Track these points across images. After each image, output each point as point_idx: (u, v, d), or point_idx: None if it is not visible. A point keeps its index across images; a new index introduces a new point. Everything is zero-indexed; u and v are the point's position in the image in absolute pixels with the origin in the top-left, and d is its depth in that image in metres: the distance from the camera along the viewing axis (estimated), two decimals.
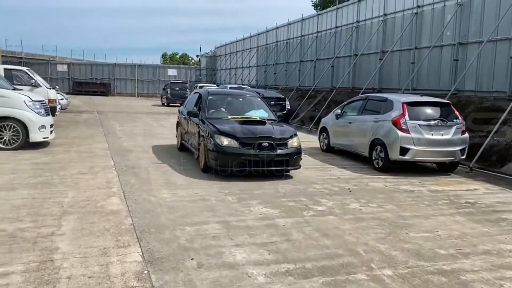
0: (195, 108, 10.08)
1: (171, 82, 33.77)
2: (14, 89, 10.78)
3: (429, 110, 9.32)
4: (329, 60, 22.87)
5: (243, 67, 38.46)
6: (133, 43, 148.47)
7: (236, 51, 41.41)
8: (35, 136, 10.14)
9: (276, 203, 6.45)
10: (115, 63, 47.25)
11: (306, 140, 14.55)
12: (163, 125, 17.36)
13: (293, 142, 8.56)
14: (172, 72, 48.68)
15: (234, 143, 8.14)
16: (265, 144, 8.18)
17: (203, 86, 30.66)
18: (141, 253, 4.38)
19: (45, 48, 62.92)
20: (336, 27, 22.40)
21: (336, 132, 11.30)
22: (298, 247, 4.75)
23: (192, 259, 4.30)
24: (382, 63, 17.99)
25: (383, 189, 7.76)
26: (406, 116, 9.01)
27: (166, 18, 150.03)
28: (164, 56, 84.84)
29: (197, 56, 76.51)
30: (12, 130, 9.91)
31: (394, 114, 9.21)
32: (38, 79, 15.01)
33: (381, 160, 9.34)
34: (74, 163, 8.78)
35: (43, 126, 10.27)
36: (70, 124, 15.95)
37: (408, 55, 16.93)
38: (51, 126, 10.76)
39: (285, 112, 18.80)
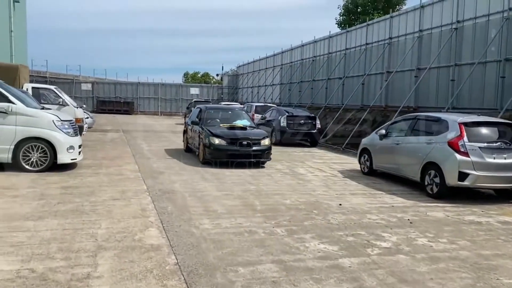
0: (196, 119, 13.20)
1: (195, 101, 33.47)
2: (43, 108, 10.39)
3: (489, 131, 8.49)
4: (359, 77, 22.17)
5: (266, 85, 38.04)
6: (155, 62, 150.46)
7: (259, 70, 41.09)
8: (63, 157, 9.65)
9: (332, 238, 5.70)
10: (139, 82, 47.47)
11: (341, 161, 13.81)
12: None
13: (265, 142, 11.87)
14: (194, 91, 48.65)
15: (223, 142, 11.42)
16: (244, 142, 11.50)
17: (227, 104, 30.32)
18: None
19: (68, 68, 63.78)
20: (367, 44, 21.74)
21: (380, 154, 10.52)
22: None
23: None
24: (417, 80, 17.21)
25: (446, 220, 6.93)
26: (465, 138, 8.20)
27: (187, 38, 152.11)
28: (185, 75, 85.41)
29: (217, 75, 76.81)
30: (40, 151, 9.45)
31: (451, 135, 8.41)
32: (66, 98, 14.71)
33: (436, 185, 8.50)
34: (105, 187, 8.21)
35: (71, 147, 9.79)
36: (97, 144, 15.54)
37: (446, 72, 16.12)
38: (80, 147, 10.28)
39: (315, 131, 18.08)
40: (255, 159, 11.56)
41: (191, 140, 13.51)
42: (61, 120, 9.79)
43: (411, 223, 6.64)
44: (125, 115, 41.33)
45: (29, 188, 7.83)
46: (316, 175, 10.84)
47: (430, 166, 8.69)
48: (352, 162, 13.48)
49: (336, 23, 42.68)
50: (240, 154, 11.43)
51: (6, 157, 9.25)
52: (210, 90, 50.43)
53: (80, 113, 14.53)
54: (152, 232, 5.59)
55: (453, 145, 8.24)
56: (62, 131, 9.68)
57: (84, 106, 19.64)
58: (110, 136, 19.57)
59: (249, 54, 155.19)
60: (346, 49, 23.87)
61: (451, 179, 8.20)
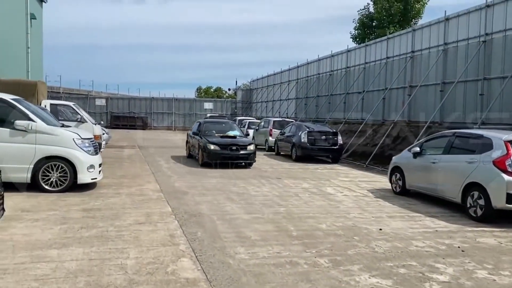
0: (197, 130, 16.39)
1: (210, 116, 33.20)
2: (62, 125, 10.06)
3: None
4: (380, 91, 21.71)
5: (281, 99, 37.72)
6: (167, 77, 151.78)
7: (274, 84, 40.83)
8: (84, 177, 9.28)
9: (382, 270, 5.17)
10: (152, 97, 47.52)
11: (368, 179, 13.25)
12: None
13: (250, 147, 14.88)
14: (208, 105, 48.54)
15: (217, 148, 14.39)
16: (234, 148, 14.52)
17: (243, 119, 30.00)
18: None
19: (81, 83, 64.56)
20: (387, 57, 21.31)
21: (414, 173, 9.96)
22: None
23: None
24: (443, 95, 16.68)
25: (500, 248, 6.36)
26: None
27: (199, 53, 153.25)
28: (198, 90, 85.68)
29: (228, 89, 76.88)
30: (59, 170, 9.08)
31: (496, 154, 7.85)
32: (84, 114, 14.45)
33: (480, 208, 7.92)
34: (128, 210, 7.79)
35: (92, 166, 9.41)
36: (115, 161, 15.21)
37: (474, 86, 15.57)
38: (100, 165, 9.91)
39: (337, 147, 17.56)
40: (242, 160, 14.65)
41: (192, 148, 16.62)
42: (82, 138, 9.45)
43: (463, 251, 6.08)
44: (138, 130, 41.25)
45: (50, 211, 7.44)
46: (346, 195, 10.31)
47: (473, 187, 8.12)
48: (380, 181, 12.94)
49: (351, 37, 42.37)
50: (231, 157, 14.43)
51: (25, 177, 8.90)
52: (224, 104, 50.29)
53: (98, 130, 14.23)
54: (185, 263, 5.13)
55: (500, 165, 7.68)
56: (83, 150, 9.33)
57: (102, 122, 19.39)
58: (127, 152, 19.27)
59: (261, 69, 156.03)
60: (366, 63, 23.45)
61: (498, 202, 7.63)
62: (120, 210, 7.72)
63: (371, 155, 16.93)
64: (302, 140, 17.31)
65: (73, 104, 14.65)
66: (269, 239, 6.28)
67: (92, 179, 9.49)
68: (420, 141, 10.39)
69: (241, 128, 26.33)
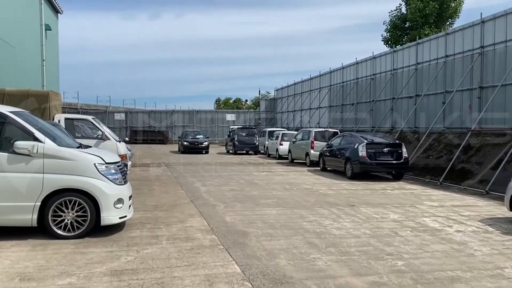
0: (181, 135, 32.08)
1: (238, 128, 30.73)
2: (80, 146, 7.58)
3: None
4: (437, 95, 18.96)
5: (311, 108, 35.10)
6: (184, 91, 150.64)
7: (302, 92, 38.26)
8: (109, 216, 6.77)
9: None
10: (173, 110, 45.41)
11: (461, 203, 10.47)
12: (252, 182, 13.80)
13: (205, 143, 29.47)
14: (230, 117, 46.20)
15: (188, 144, 29.16)
16: (196, 143, 29.41)
17: (274, 131, 27.54)
18: None
19: (99, 99, 63.24)
20: (446, 56, 18.53)
21: None
22: None
23: None
24: None
25: None
26: None
27: (215, 66, 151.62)
28: (217, 101, 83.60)
29: (246, 100, 74.75)
30: (76, 208, 6.61)
31: None
32: (105, 129, 12.03)
33: None
34: (177, 270, 5.23)
35: (120, 201, 6.91)
36: (142, 184, 12.72)
37: None
38: (130, 198, 7.40)
39: (402, 161, 14.81)
40: (202, 150, 28.74)
41: (178, 146, 30.95)
42: (106, 163, 6.95)
43: None
44: (159, 145, 39.09)
45: (62, 278, 4.92)
46: (460, 230, 7.58)
47: None
48: (477, 204, 10.24)
49: (382, 40, 39.75)
50: (195, 148, 28.62)
51: (30, 218, 6.44)
52: (247, 115, 47.86)
53: (123, 148, 11.77)
54: None
55: None
56: (108, 178, 6.84)
57: (127, 139, 17.03)
58: (153, 172, 16.83)
59: (277, 79, 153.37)
60: (417, 63, 20.71)
61: None
62: (166, 272, 5.16)
63: (446, 170, 14.12)
64: (360, 154, 14.62)
65: (92, 118, 12.28)
66: None
67: (120, 218, 6.97)
68: None
69: (273, 140, 24.48)
